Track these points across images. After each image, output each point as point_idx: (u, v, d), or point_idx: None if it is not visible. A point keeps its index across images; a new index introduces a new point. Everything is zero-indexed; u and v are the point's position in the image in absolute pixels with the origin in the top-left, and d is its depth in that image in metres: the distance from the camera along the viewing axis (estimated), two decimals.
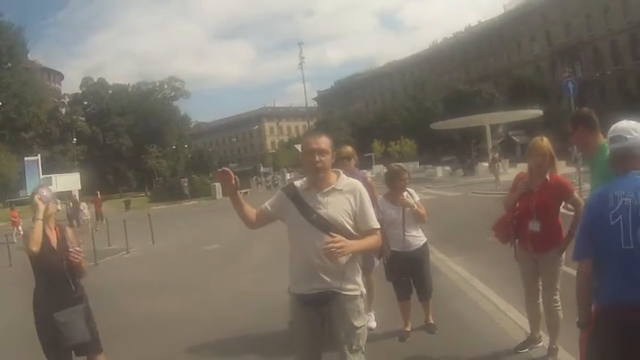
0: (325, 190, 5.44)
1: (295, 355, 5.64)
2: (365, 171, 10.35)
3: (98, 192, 50.49)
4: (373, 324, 9.40)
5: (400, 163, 9.44)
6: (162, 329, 10.93)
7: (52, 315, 6.31)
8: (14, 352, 10.23)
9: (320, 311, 5.38)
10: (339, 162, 8.41)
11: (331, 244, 4.95)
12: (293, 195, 5.56)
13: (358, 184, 5.61)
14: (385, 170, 9.87)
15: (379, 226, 5.60)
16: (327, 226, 5.29)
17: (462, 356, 7.88)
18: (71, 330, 6.39)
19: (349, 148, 9.55)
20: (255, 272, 15.61)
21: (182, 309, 12.43)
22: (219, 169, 5.48)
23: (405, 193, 8.75)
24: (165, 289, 14.98)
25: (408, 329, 8.91)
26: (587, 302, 4.30)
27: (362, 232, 5.42)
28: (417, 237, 8.88)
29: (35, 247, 6.19)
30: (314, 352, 5.56)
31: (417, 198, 8.92)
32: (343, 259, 5.17)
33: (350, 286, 5.36)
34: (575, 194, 7.32)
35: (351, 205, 5.42)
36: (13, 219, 36.45)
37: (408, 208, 8.64)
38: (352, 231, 5.36)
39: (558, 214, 7.37)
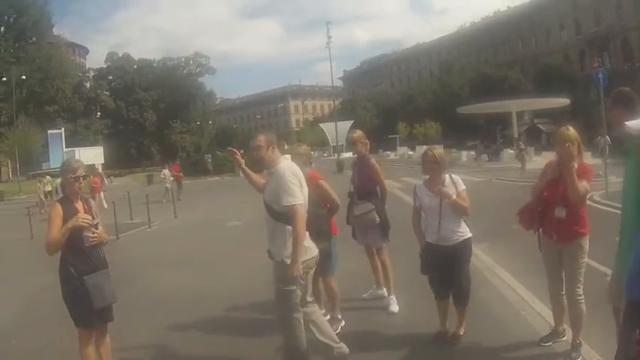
0: (269, 173, 6.94)
1: None
2: (370, 155, 10.16)
3: (177, 161, 50.79)
4: (394, 308, 9.55)
5: (436, 146, 8.73)
6: (181, 304, 11.02)
7: (82, 278, 6.44)
8: (43, 320, 10.48)
9: None
10: (351, 146, 9.67)
11: None
12: None
13: (284, 167, 6.76)
14: None
15: (292, 203, 6.52)
16: (265, 206, 6.83)
17: (485, 346, 7.77)
18: (101, 292, 6.58)
19: (355, 134, 10.11)
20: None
21: (201, 284, 12.51)
22: (229, 148, 7.04)
23: (447, 180, 7.94)
24: (185, 264, 15.07)
25: (444, 331, 8.19)
26: None
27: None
28: (456, 231, 7.84)
29: (54, 254, 6.53)
30: None
31: (461, 187, 7.89)
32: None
33: (276, 253, 6.81)
34: (585, 182, 7.06)
35: (274, 187, 6.71)
36: (94, 185, 33.64)
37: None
38: (279, 210, 6.66)
39: (584, 204, 7.27)
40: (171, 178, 39.31)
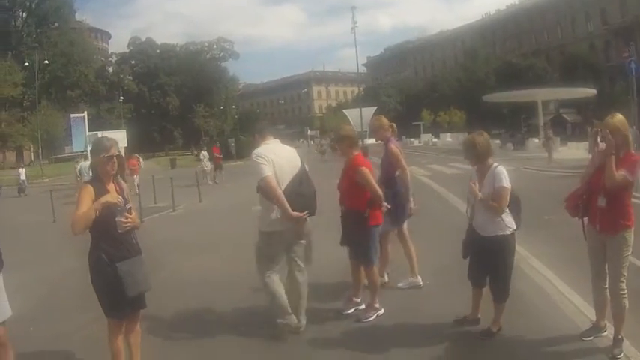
0: None
1: None
2: (392, 139, 10.06)
3: (217, 142, 51.21)
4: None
5: (476, 134, 8.08)
6: (207, 289, 10.96)
7: (115, 265, 6.15)
8: (65, 306, 10.43)
9: None
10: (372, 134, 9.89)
11: None
12: None
13: (254, 152, 8.01)
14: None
15: (259, 178, 7.77)
16: None
17: (527, 338, 7.60)
18: (134, 279, 6.29)
19: (376, 122, 10.39)
20: None
21: (226, 269, 12.44)
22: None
23: (492, 171, 7.61)
24: (210, 248, 15.03)
25: (468, 315, 8.14)
26: None
27: None
28: (489, 225, 7.61)
29: (80, 233, 6.06)
30: None
31: (498, 183, 7.48)
32: None
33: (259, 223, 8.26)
34: (623, 172, 6.77)
35: None
36: (132, 167, 34.08)
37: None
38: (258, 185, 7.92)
39: (628, 196, 7.06)
40: (207, 161, 39.24)
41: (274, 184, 7.67)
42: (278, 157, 7.92)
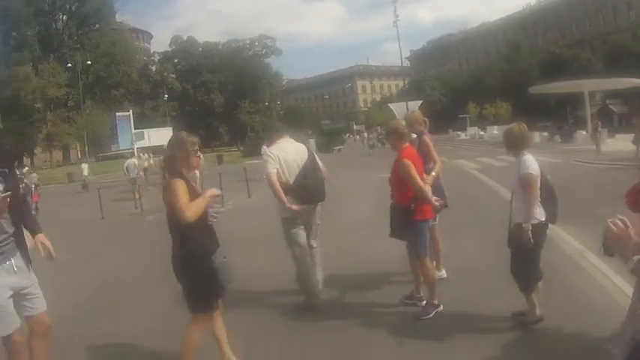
0: None
1: None
2: (426, 132, 10.02)
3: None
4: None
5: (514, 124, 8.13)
6: (262, 284, 11.01)
7: (210, 258, 6.27)
8: (117, 303, 10.47)
9: None
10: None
11: None
12: None
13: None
14: None
15: (267, 173, 9.02)
16: None
17: (585, 334, 7.43)
18: (227, 270, 6.45)
19: (411, 115, 10.61)
20: (354, 231, 15.34)
21: (283, 264, 12.25)
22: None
23: (521, 157, 7.58)
24: (264, 243, 14.73)
25: (532, 314, 7.84)
26: None
27: None
28: (518, 214, 7.64)
29: (194, 219, 6.04)
30: None
31: (525, 169, 7.47)
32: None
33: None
34: None
35: None
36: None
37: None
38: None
39: None
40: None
41: (274, 179, 8.92)
42: (285, 154, 9.13)
